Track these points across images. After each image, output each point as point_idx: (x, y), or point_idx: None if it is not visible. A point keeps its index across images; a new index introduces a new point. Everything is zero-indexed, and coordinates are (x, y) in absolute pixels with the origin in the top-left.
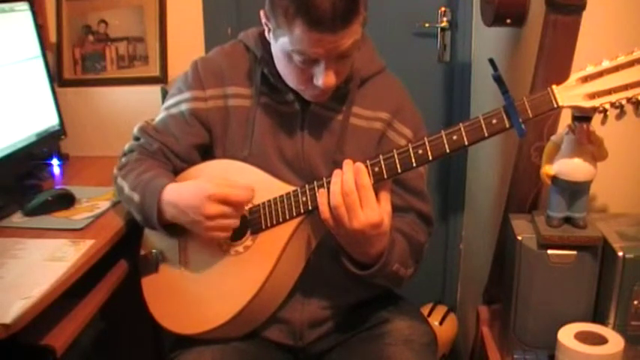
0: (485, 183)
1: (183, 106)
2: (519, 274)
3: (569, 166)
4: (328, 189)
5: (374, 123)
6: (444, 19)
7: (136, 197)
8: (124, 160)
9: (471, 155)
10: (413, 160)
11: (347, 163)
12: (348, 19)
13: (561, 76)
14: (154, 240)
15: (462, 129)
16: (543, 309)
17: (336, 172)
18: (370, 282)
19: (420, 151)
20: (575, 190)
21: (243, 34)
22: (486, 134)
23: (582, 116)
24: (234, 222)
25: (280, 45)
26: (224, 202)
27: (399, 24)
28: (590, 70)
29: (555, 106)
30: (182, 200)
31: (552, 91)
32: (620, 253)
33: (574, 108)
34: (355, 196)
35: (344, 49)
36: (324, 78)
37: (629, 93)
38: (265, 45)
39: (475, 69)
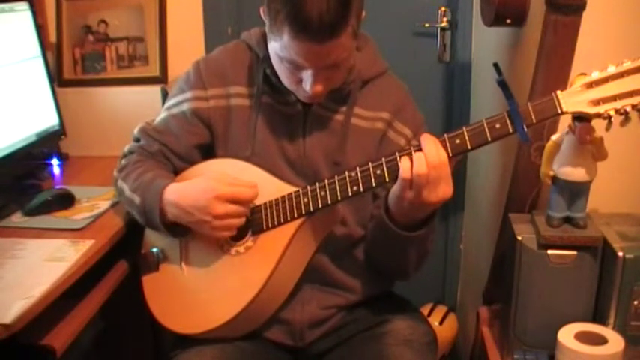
0: (485, 183)
1: (185, 106)
2: (519, 274)
3: (569, 166)
4: (330, 190)
5: (375, 123)
6: (444, 19)
7: (137, 199)
8: (123, 162)
9: (471, 155)
10: None
11: (427, 137)
12: (336, 31)
13: (561, 76)
14: (155, 239)
15: (465, 133)
16: (543, 309)
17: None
18: (403, 251)
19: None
20: (575, 190)
21: (245, 33)
22: (489, 139)
23: (582, 117)
24: (241, 221)
25: (272, 46)
26: (232, 201)
27: (399, 24)
28: (596, 75)
29: (559, 111)
30: (186, 200)
31: (557, 97)
32: (620, 253)
33: (578, 114)
34: (438, 171)
35: (331, 61)
36: (310, 86)
37: (635, 99)
38: (268, 45)
39: (475, 69)
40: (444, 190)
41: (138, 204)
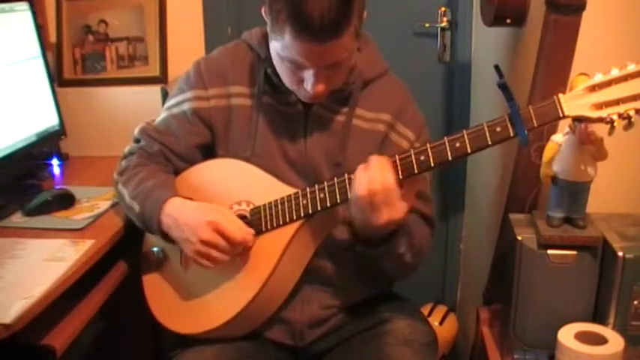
0: (485, 183)
1: (186, 106)
2: (519, 274)
3: (569, 166)
4: (330, 192)
5: (376, 125)
6: (444, 19)
7: (136, 207)
8: (123, 163)
9: (472, 155)
10: (415, 167)
11: (374, 160)
12: (338, 31)
13: (561, 76)
14: (156, 238)
15: (466, 136)
16: (543, 309)
17: (361, 166)
18: (377, 265)
19: (422, 157)
20: (575, 190)
21: (247, 33)
22: (490, 142)
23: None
24: (223, 257)
25: (273, 46)
26: (219, 233)
27: (399, 24)
28: (599, 78)
29: (561, 115)
30: (182, 217)
31: (558, 100)
32: (620, 253)
33: (581, 118)
34: (380, 196)
35: (333, 61)
36: (312, 86)
37: (638, 104)
38: (269, 45)
39: (475, 69)
40: (389, 214)
41: (137, 212)
